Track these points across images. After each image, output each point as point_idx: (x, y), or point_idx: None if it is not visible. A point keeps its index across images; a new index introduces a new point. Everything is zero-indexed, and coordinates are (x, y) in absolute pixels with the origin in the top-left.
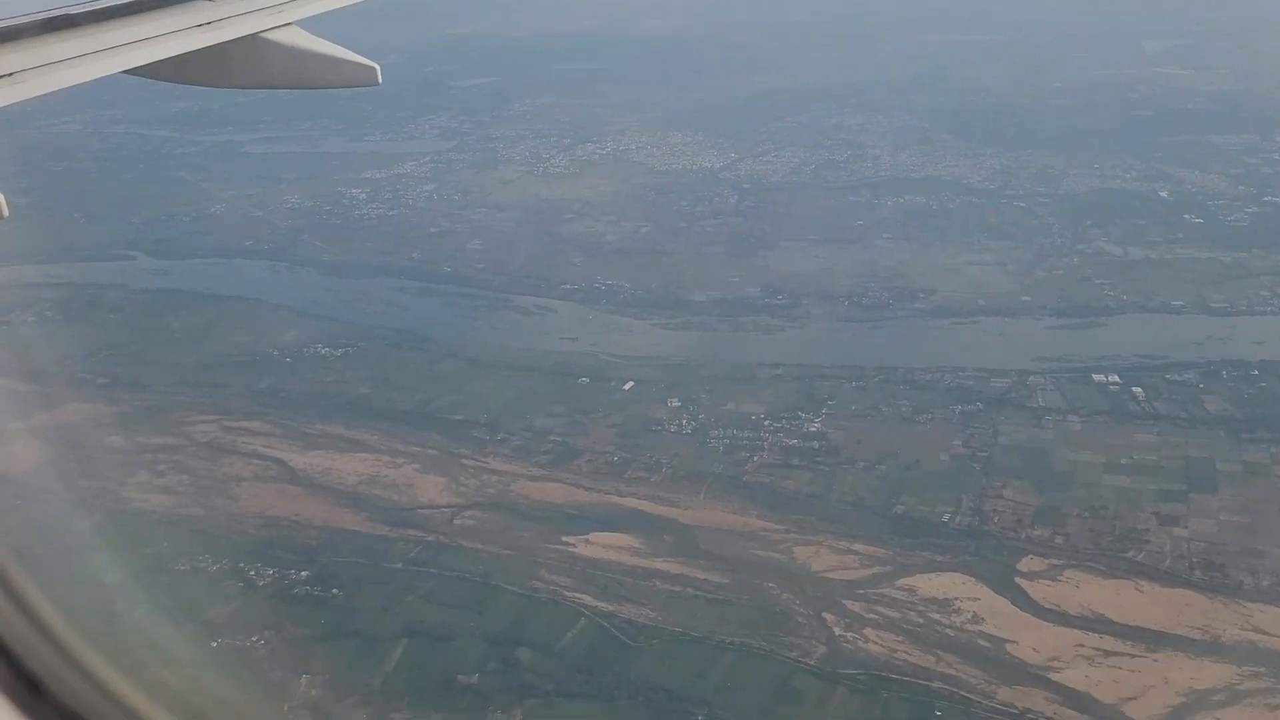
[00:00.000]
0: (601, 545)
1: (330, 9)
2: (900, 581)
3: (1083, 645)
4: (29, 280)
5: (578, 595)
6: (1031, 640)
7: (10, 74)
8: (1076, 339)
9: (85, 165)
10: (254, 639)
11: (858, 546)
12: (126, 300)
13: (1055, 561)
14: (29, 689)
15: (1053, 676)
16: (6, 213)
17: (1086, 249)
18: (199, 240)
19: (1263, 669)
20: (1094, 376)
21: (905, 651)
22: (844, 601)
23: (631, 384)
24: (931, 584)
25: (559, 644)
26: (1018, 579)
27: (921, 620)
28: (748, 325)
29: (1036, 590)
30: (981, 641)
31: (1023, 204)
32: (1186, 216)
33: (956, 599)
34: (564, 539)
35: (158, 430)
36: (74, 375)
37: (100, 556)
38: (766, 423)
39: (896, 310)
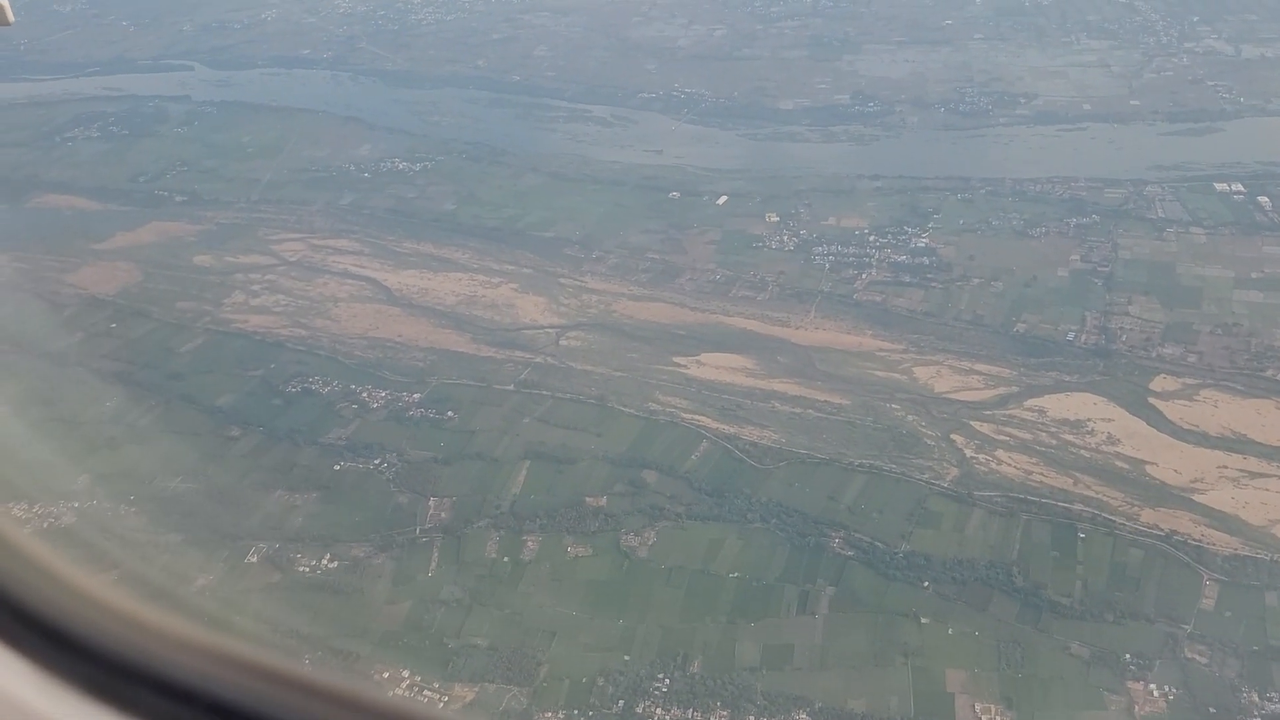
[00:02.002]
0: (714, 366)
1: None
2: (1029, 402)
3: (1225, 466)
4: (88, 93)
5: (696, 417)
6: (1171, 461)
7: None
8: (1192, 145)
9: None
10: (376, 462)
11: (980, 366)
12: (192, 113)
13: (1190, 381)
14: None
15: (1197, 499)
16: (12, 19)
17: (1195, 48)
18: (255, 49)
19: None
20: (1215, 185)
21: (1040, 473)
22: (972, 423)
23: (725, 198)
24: (1062, 404)
25: (683, 467)
26: (1151, 399)
27: (1054, 442)
28: (840, 135)
29: (1172, 410)
30: (1119, 463)
31: None
32: None
33: (1089, 420)
34: (675, 360)
35: (245, 249)
36: (151, 192)
37: (208, 379)
38: (871, 238)
39: (997, 117)
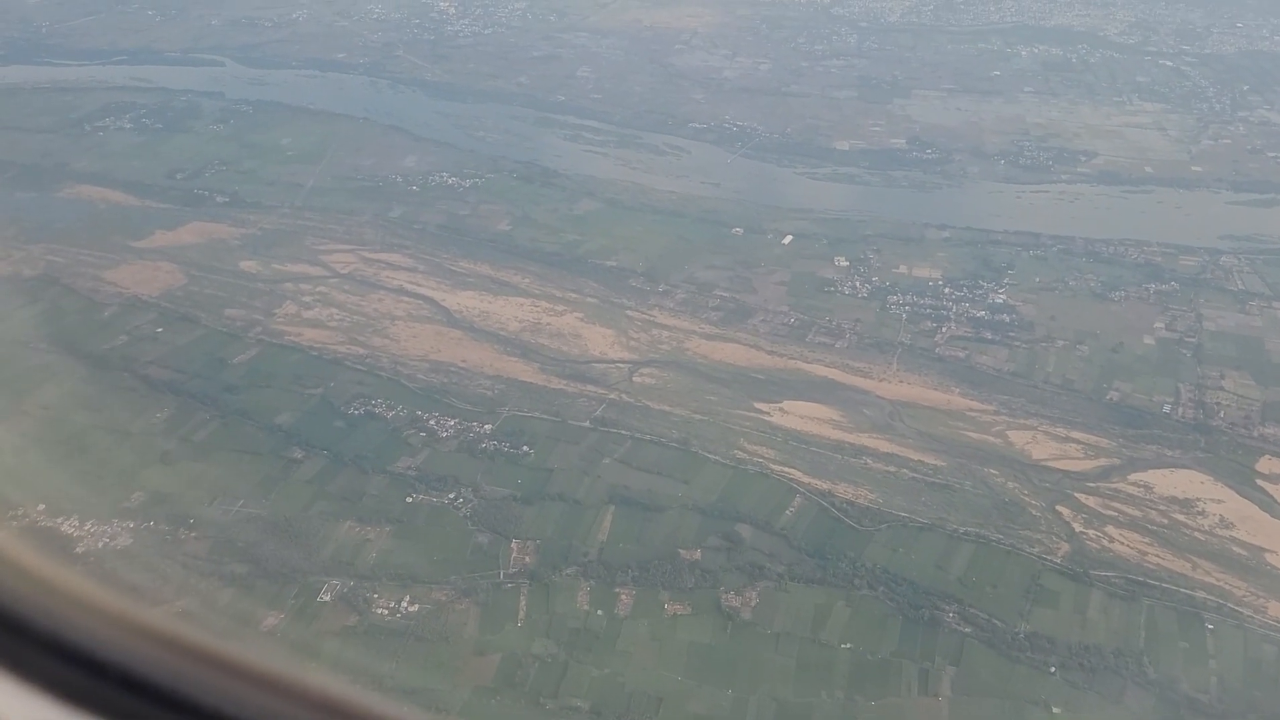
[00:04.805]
0: (798, 415)
1: None
2: (1133, 477)
3: None
4: (116, 82)
5: (786, 469)
6: None
7: None
8: (1262, 217)
9: None
10: (451, 496)
11: (1077, 434)
12: (227, 111)
13: None
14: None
15: None
16: None
17: (1249, 117)
18: (288, 49)
19: None
20: None
21: (1156, 555)
22: (1076, 495)
23: (790, 237)
24: (1167, 481)
25: (779, 522)
26: (1259, 481)
27: (1165, 521)
28: (900, 180)
29: None
30: (1236, 549)
31: (1169, 63)
32: None
33: (1198, 500)
34: (756, 406)
35: (293, 257)
36: (190, 191)
37: (264, 395)
38: (946, 290)
39: (1059, 173)
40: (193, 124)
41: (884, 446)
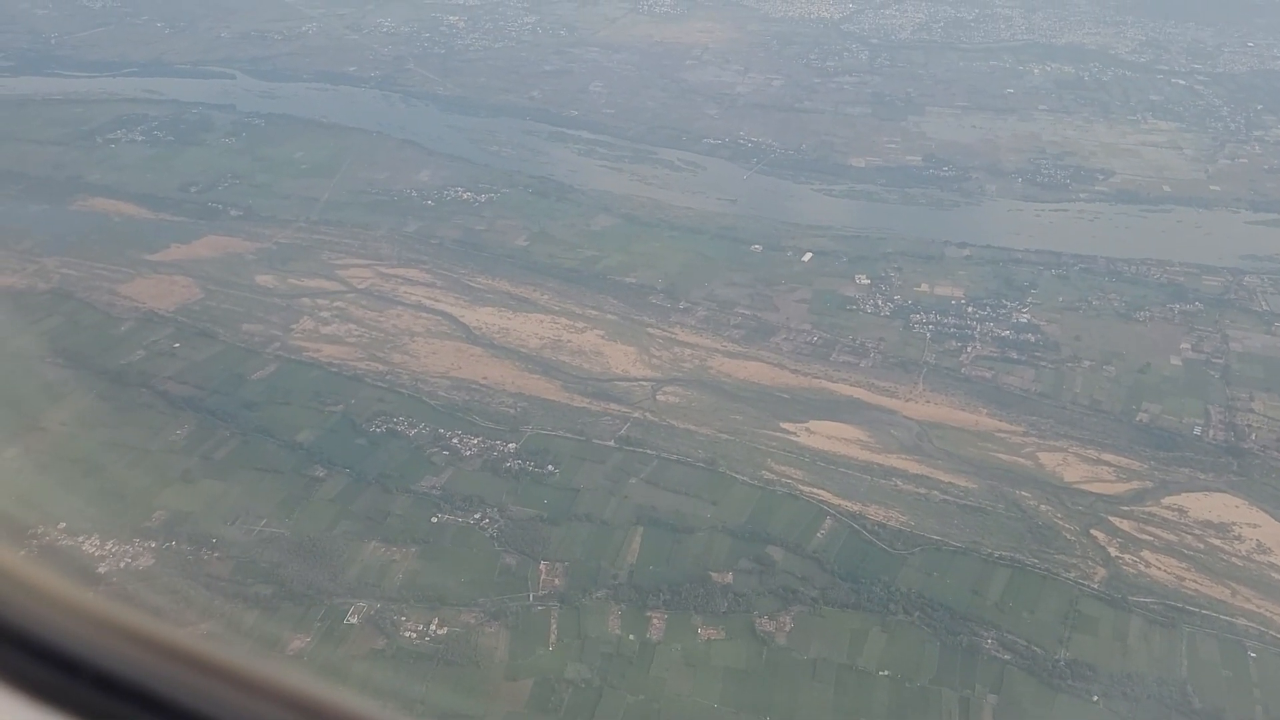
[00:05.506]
0: (825, 435)
1: None
2: (1166, 500)
3: None
4: (126, 94)
5: (815, 490)
6: None
7: None
8: None
9: None
10: (476, 516)
11: (1108, 456)
12: (239, 124)
13: None
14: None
15: None
16: None
17: (1265, 137)
18: (298, 62)
19: None
20: None
21: (1194, 581)
22: (1110, 519)
23: (810, 255)
24: (1202, 505)
25: (810, 545)
26: None
27: (1201, 546)
28: (918, 198)
29: None
30: (1275, 575)
31: (1181, 81)
32: None
33: (1234, 524)
34: (782, 425)
35: (309, 272)
36: (204, 204)
37: (284, 412)
38: (969, 309)
39: (1077, 191)
40: (205, 137)
41: (913, 468)
